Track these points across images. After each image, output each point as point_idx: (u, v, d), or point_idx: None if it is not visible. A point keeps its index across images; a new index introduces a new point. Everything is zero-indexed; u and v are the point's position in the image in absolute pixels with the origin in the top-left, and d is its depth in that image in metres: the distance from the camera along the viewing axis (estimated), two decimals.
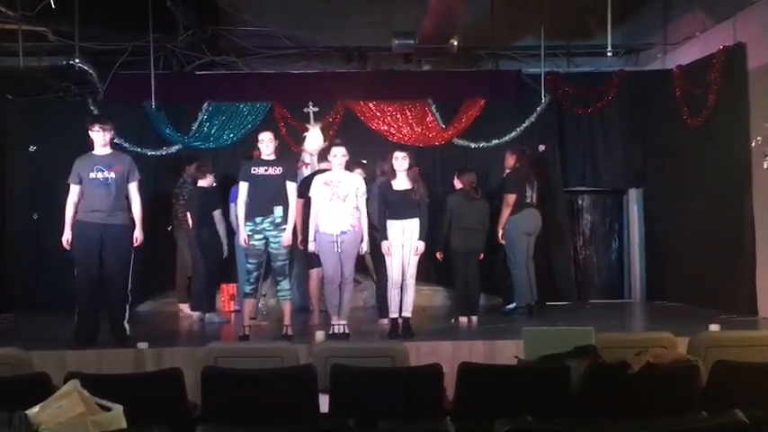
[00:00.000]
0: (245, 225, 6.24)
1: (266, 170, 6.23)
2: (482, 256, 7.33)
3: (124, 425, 2.64)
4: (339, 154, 6.28)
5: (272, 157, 6.29)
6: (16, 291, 8.69)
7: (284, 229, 6.19)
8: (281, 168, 6.26)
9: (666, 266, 8.87)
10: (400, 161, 6.35)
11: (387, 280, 6.43)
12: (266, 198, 6.17)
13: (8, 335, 6.99)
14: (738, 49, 7.58)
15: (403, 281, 6.30)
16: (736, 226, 7.53)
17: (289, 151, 8.69)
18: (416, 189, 6.35)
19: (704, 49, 8.15)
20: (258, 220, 6.18)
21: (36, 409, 2.67)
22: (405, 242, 6.27)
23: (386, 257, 6.35)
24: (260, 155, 6.41)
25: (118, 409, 2.72)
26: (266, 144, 6.27)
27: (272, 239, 6.19)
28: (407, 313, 6.32)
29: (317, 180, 6.38)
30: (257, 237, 6.19)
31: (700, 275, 8.07)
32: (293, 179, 6.39)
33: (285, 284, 6.32)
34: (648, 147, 9.18)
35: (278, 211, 6.16)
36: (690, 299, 8.20)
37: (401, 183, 6.35)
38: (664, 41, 9.25)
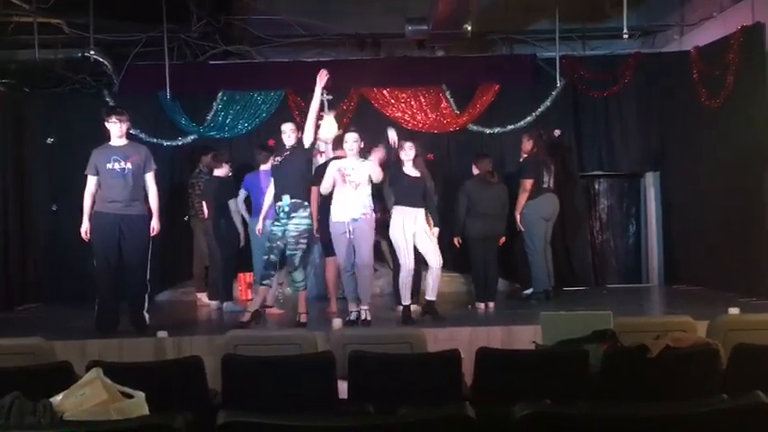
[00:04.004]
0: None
1: (282, 158, 6.29)
2: (504, 239, 7.33)
3: (146, 412, 2.67)
4: (351, 140, 6.29)
5: (293, 146, 6.31)
6: (37, 282, 8.79)
7: (294, 216, 6.15)
8: (297, 155, 6.29)
9: (684, 250, 8.80)
10: (407, 151, 6.39)
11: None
12: (278, 186, 6.24)
13: (30, 325, 7.09)
14: (757, 29, 7.47)
15: (416, 267, 6.39)
16: (755, 208, 7.45)
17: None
18: (425, 178, 6.39)
19: (722, 30, 8.04)
20: (276, 209, 6.25)
21: (60, 397, 2.70)
22: (417, 231, 6.30)
23: (399, 245, 6.35)
24: (274, 144, 6.46)
25: (140, 396, 2.75)
26: (288, 134, 6.30)
27: (284, 227, 6.20)
28: (432, 297, 6.42)
29: (332, 165, 6.39)
30: (277, 224, 6.23)
31: (718, 259, 8.00)
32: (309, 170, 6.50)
33: (298, 276, 6.30)
34: (666, 130, 9.08)
35: (285, 199, 6.16)
36: (709, 282, 8.14)
37: (410, 171, 6.40)
38: (681, 22, 9.13)
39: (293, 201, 6.13)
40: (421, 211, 6.39)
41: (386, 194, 6.80)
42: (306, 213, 6.20)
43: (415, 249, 6.40)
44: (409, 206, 6.32)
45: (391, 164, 6.96)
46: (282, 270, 7.45)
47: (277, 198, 6.22)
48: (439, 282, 6.49)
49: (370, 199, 6.28)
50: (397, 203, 6.36)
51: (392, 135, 6.48)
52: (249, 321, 6.17)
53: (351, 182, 6.20)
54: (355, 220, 6.19)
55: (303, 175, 6.30)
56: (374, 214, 6.35)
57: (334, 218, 6.27)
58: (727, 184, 7.86)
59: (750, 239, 7.51)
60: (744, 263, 7.56)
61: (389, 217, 6.58)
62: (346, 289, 6.40)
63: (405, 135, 7.58)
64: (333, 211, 6.27)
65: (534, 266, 7.60)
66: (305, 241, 6.26)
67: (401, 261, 6.42)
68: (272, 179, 6.41)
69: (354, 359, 3.63)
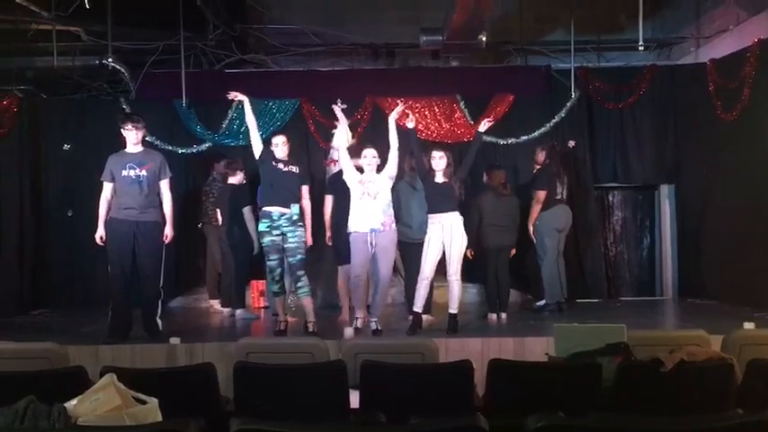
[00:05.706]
0: (262, 221, 6.30)
1: (285, 167, 6.33)
2: (514, 251, 7.30)
3: (159, 418, 2.69)
4: (369, 155, 6.30)
5: (287, 158, 6.37)
6: (51, 287, 8.84)
7: (301, 225, 6.24)
8: (298, 168, 6.37)
9: (699, 263, 8.74)
10: (437, 161, 6.34)
11: (415, 275, 6.44)
12: (285, 192, 6.25)
13: (44, 330, 7.12)
14: None
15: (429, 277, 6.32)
16: None
17: (317, 148, 8.76)
18: (454, 184, 6.36)
19: (738, 43, 8.01)
20: (275, 216, 6.21)
21: (74, 401, 2.73)
22: (444, 238, 6.26)
23: (426, 251, 6.30)
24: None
25: (153, 402, 2.77)
26: (281, 148, 6.34)
27: (289, 234, 6.21)
28: (454, 310, 6.32)
29: (353, 175, 6.38)
30: (275, 232, 6.22)
31: (733, 272, 7.94)
32: (307, 182, 6.51)
33: (305, 280, 6.29)
34: (681, 142, 9.04)
35: (294, 208, 6.24)
36: (723, 296, 8.07)
37: (440, 179, 6.36)
38: (697, 35, 9.10)
39: (300, 212, 6.28)
40: (454, 216, 6.28)
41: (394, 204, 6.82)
42: (302, 222, 6.35)
43: (442, 258, 6.33)
44: (440, 212, 6.28)
45: (407, 174, 6.97)
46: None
47: (281, 204, 6.21)
48: (458, 294, 6.37)
49: (390, 209, 6.28)
50: (429, 212, 6.36)
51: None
52: (285, 330, 6.31)
53: (368, 192, 6.19)
54: (374, 230, 6.17)
55: (299, 187, 6.40)
56: (395, 227, 6.33)
57: (353, 228, 6.24)
58: (742, 198, 7.81)
59: (765, 253, 7.45)
60: (759, 277, 7.49)
61: (401, 227, 6.61)
62: (355, 296, 6.35)
63: (429, 145, 7.59)
64: (352, 223, 6.24)
65: (546, 278, 7.57)
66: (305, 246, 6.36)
67: (422, 266, 6.35)
68: (265, 187, 6.34)
69: (366, 368, 3.63)
